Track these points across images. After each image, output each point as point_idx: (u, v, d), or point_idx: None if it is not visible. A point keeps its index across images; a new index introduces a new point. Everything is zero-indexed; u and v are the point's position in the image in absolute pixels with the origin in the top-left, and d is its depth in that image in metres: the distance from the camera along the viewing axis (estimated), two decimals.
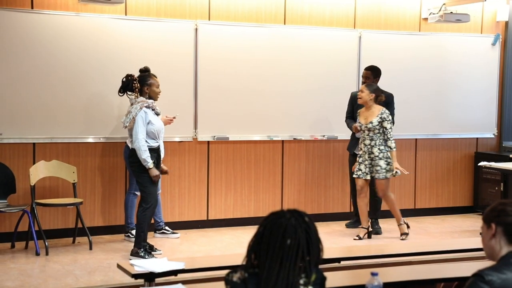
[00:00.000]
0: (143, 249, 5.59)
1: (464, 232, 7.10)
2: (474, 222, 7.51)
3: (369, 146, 6.47)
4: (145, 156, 5.49)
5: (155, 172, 5.55)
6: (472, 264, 3.86)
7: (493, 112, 8.21)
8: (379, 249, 4.68)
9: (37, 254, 5.77)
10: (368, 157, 6.48)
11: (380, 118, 6.42)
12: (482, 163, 7.16)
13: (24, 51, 6.20)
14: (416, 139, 7.91)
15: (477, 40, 8.06)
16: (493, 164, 7.07)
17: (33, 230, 5.83)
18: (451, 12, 7.46)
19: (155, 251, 5.81)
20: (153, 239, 6.41)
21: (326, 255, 2.33)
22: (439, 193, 8.07)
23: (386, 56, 7.55)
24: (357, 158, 6.60)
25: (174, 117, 6.36)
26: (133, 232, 6.12)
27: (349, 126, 6.94)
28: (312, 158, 7.41)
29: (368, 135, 6.49)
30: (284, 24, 7.19)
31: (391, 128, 6.46)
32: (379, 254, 4.27)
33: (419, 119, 7.79)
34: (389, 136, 6.44)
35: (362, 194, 6.60)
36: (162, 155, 5.86)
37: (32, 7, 6.24)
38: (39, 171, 6.17)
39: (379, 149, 6.44)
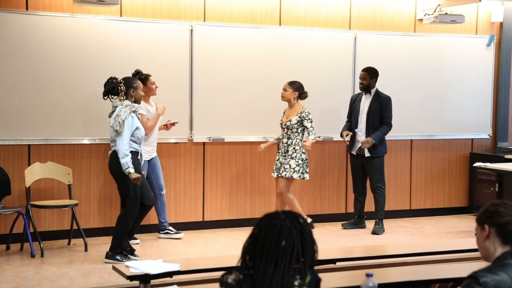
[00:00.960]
0: (120, 253, 5.57)
1: (460, 232, 7.12)
2: (469, 222, 7.52)
3: (285, 145, 6.51)
4: (127, 160, 5.40)
5: (135, 175, 5.43)
6: (467, 264, 3.87)
7: (488, 112, 8.23)
8: (374, 250, 4.69)
9: (32, 256, 5.76)
10: (283, 155, 6.52)
11: (299, 117, 6.45)
12: (477, 164, 7.18)
13: (19, 52, 6.19)
14: (411, 139, 7.92)
15: (472, 41, 8.08)
16: (488, 165, 7.09)
17: (28, 232, 5.81)
18: (446, 13, 7.47)
19: (135, 256, 5.67)
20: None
21: (322, 256, 2.33)
22: (434, 193, 8.09)
23: (381, 57, 7.56)
24: (276, 157, 6.61)
25: (173, 123, 6.39)
26: (169, 228, 6.47)
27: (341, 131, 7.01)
28: (308, 159, 7.41)
29: (286, 133, 6.53)
30: (280, 25, 7.19)
31: (312, 127, 6.46)
32: (374, 255, 4.27)
33: (415, 120, 7.80)
34: (310, 133, 6.47)
35: (279, 197, 6.61)
36: (142, 160, 5.75)
37: (27, 8, 6.23)
38: (34, 172, 6.15)
39: (294, 148, 6.47)
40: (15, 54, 6.18)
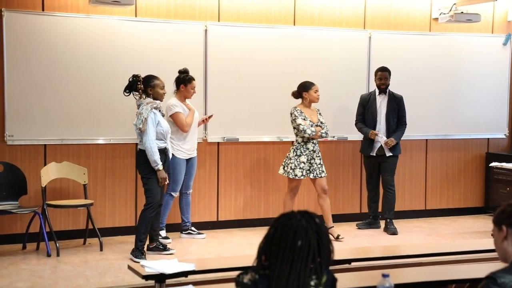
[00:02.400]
0: (139, 249, 5.64)
1: (475, 233, 7.07)
2: (485, 223, 7.46)
3: (316, 145, 6.52)
4: (156, 158, 5.52)
5: (163, 173, 5.59)
6: (484, 265, 3.84)
7: (504, 112, 8.16)
8: (390, 250, 4.66)
9: (48, 255, 5.80)
10: (317, 156, 6.50)
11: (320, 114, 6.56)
12: (493, 164, 7.13)
13: (35, 53, 6.23)
14: (426, 139, 7.88)
15: (488, 40, 8.02)
16: (505, 165, 7.04)
17: (44, 232, 5.85)
18: (462, 12, 7.42)
19: (168, 251, 5.88)
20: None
21: (337, 256, 2.32)
22: (450, 193, 8.04)
23: (396, 56, 7.53)
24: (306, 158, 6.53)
25: (210, 116, 6.46)
26: (192, 228, 6.57)
27: (363, 131, 6.96)
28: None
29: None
30: (294, 25, 7.18)
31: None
32: (390, 255, 4.25)
33: (430, 120, 7.76)
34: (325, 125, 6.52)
35: (293, 195, 6.62)
36: (170, 155, 5.89)
37: (43, 9, 6.27)
38: (50, 172, 6.19)
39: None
40: (31, 55, 6.22)
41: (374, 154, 6.97)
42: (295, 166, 6.44)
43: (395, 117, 6.93)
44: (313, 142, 6.49)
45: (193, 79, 6.29)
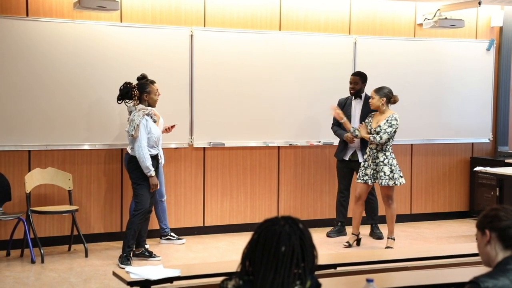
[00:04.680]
0: (126, 254, 5.63)
1: (460, 237, 7.11)
2: (470, 227, 7.51)
3: (375, 151, 6.34)
4: (148, 164, 5.52)
5: (155, 180, 5.59)
6: (468, 269, 3.86)
7: (488, 117, 8.23)
8: (375, 255, 4.67)
9: (33, 262, 5.75)
10: (373, 162, 6.36)
11: (387, 121, 6.29)
12: (477, 168, 7.18)
13: (19, 58, 6.20)
14: (411, 144, 7.92)
15: (472, 46, 8.08)
16: (489, 169, 7.08)
17: (29, 238, 5.81)
18: (446, 18, 7.49)
19: (154, 257, 5.86)
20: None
21: (322, 261, 2.32)
22: (435, 198, 8.08)
23: (381, 61, 7.57)
24: (363, 163, 6.45)
25: (173, 126, 6.39)
26: (171, 234, 6.55)
27: (337, 134, 6.91)
28: (308, 164, 7.42)
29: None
30: (280, 30, 7.20)
31: (386, 131, 6.24)
32: (375, 260, 4.26)
33: (415, 125, 7.80)
34: (380, 131, 6.25)
35: (360, 201, 6.50)
36: (163, 161, 5.91)
37: (27, 15, 6.24)
38: (35, 178, 6.15)
39: (384, 154, 6.30)
40: (15, 60, 6.18)
41: (347, 159, 6.91)
42: (399, 170, 6.37)
43: None
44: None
45: (154, 82, 5.99)
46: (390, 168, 6.29)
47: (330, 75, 7.38)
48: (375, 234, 6.92)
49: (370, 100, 6.42)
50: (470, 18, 7.95)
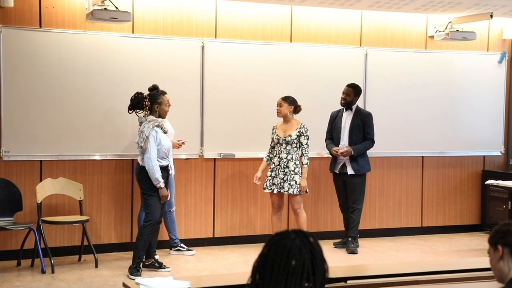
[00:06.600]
0: (136, 265, 5.62)
1: (472, 251, 7.05)
2: (482, 240, 7.46)
3: (285, 160, 6.40)
4: (157, 176, 5.53)
5: (165, 191, 5.60)
6: (480, 284, 3.82)
7: (500, 129, 8.18)
8: (386, 268, 4.64)
9: (43, 272, 5.76)
10: (282, 171, 6.40)
11: (299, 132, 6.41)
12: (489, 181, 7.13)
13: (32, 69, 6.24)
14: (422, 157, 7.88)
15: (483, 58, 8.06)
16: (501, 183, 7.04)
17: (39, 248, 5.82)
18: (457, 30, 7.47)
19: (164, 268, 5.84)
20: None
21: (332, 274, 2.31)
22: (446, 211, 8.03)
23: (392, 73, 7.56)
24: (269, 172, 6.50)
25: (183, 142, 6.39)
26: (181, 245, 6.57)
27: (328, 148, 6.91)
28: (319, 175, 7.40)
29: (285, 148, 6.42)
30: (291, 41, 7.21)
31: (307, 144, 6.40)
32: (386, 274, 4.23)
33: (426, 137, 7.77)
34: (304, 152, 6.40)
35: (280, 211, 6.57)
36: (173, 172, 5.91)
37: (40, 26, 6.29)
38: (46, 188, 6.18)
39: (295, 163, 6.39)
40: (28, 71, 6.23)
41: (337, 172, 6.88)
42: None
43: (359, 134, 6.78)
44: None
45: (165, 93, 6.12)
46: (300, 176, 6.39)
47: (340, 87, 7.34)
48: (349, 248, 6.77)
49: (278, 108, 6.49)
50: (481, 30, 7.93)
